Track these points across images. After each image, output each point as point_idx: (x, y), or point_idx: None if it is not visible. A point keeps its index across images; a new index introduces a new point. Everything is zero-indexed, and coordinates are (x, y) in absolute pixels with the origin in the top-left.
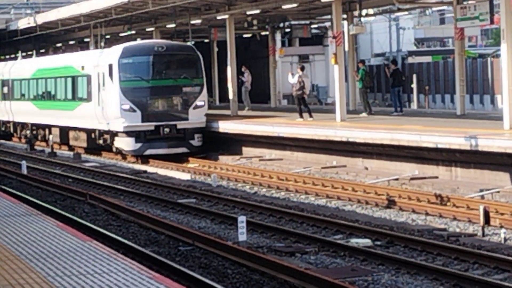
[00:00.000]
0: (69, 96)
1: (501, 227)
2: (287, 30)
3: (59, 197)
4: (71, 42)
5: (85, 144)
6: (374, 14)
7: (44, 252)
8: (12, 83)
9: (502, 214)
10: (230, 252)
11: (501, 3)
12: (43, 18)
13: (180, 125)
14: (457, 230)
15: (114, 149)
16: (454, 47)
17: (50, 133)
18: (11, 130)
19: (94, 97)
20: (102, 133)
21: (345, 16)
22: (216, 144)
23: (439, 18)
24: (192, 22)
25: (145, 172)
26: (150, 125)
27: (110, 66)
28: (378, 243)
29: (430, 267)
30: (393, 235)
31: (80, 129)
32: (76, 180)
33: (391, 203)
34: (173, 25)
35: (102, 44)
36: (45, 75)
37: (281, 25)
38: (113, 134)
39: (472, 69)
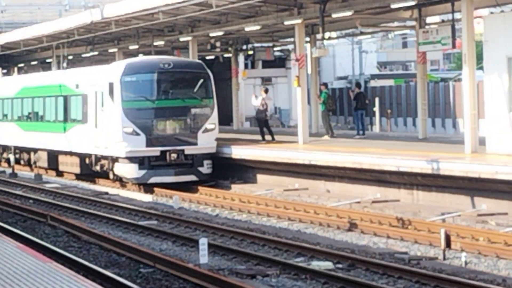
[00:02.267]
0: (60, 117)
1: (462, 250)
2: (250, 52)
3: (19, 218)
4: (33, 63)
5: (77, 170)
6: (337, 37)
7: (3, 273)
8: None
9: (463, 237)
10: (191, 274)
11: (463, 28)
12: (5, 38)
13: (188, 150)
14: (418, 253)
15: (111, 176)
16: (416, 71)
17: (35, 156)
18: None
19: (90, 118)
20: (99, 158)
21: (308, 39)
22: None
23: (402, 41)
24: (155, 43)
25: (106, 193)
26: (155, 150)
27: (111, 85)
28: (340, 266)
29: None
30: (354, 258)
31: (72, 154)
32: (37, 201)
33: (352, 226)
34: (136, 47)
35: (64, 65)
36: (31, 94)
37: (244, 47)
38: (113, 160)
39: (434, 93)
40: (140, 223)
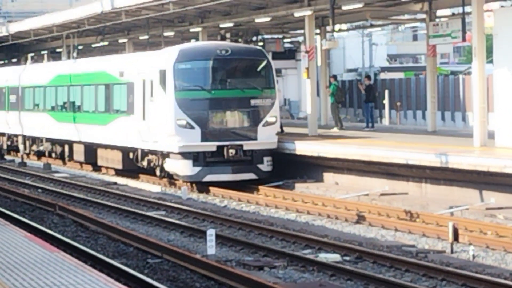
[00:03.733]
0: (101, 107)
1: (470, 244)
2: (260, 44)
3: (28, 208)
4: (43, 52)
5: (119, 165)
6: (347, 30)
7: (11, 263)
8: (22, 91)
9: (471, 231)
10: (199, 265)
11: (473, 21)
12: (15, 27)
13: (247, 145)
14: (426, 246)
15: (158, 173)
16: (426, 64)
17: (70, 149)
18: (20, 144)
19: (137, 109)
20: (146, 153)
21: (318, 31)
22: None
23: (412, 34)
24: (165, 34)
25: (115, 183)
26: (211, 145)
27: (163, 73)
28: (347, 258)
29: (398, 283)
30: (362, 250)
31: (114, 148)
32: (46, 191)
33: (360, 219)
34: (146, 37)
35: (75, 54)
36: (67, 82)
37: (254, 38)
38: (163, 155)
39: (444, 86)
40: (148, 213)
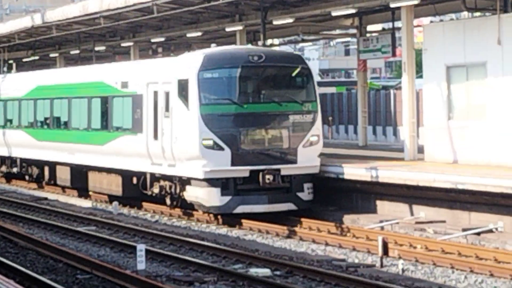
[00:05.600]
0: (96, 124)
1: (400, 258)
2: None
3: None
4: None
5: (118, 192)
6: (279, 44)
7: None
8: None
9: (401, 245)
10: (129, 281)
11: (402, 36)
12: None
13: (286, 170)
14: (356, 260)
15: (168, 202)
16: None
17: (52, 172)
18: None
19: (147, 127)
20: (157, 178)
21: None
22: None
23: (344, 49)
24: (97, 48)
25: (46, 199)
26: (243, 170)
27: (184, 83)
28: (278, 273)
29: None
30: (292, 265)
31: (111, 171)
32: None
33: (291, 233)
34: (77, 51)
35: (5, 69)
36: (49, 94)
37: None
38: (182, 182)
39: (376, 100)
40: (79, 229)
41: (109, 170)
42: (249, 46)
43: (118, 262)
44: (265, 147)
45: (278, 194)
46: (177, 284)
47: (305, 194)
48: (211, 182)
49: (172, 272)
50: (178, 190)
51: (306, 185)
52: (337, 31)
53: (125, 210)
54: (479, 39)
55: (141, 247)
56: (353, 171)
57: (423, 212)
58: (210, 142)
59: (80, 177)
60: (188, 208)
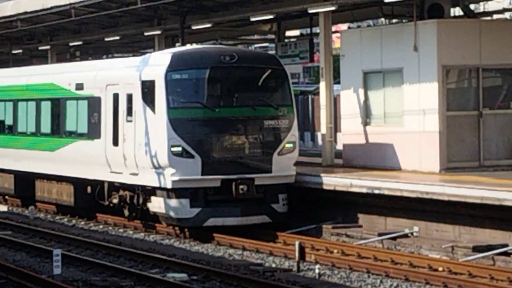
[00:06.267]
0: (46, 129)
1: (317, 262)
2: None
3: None
4: None
5: (69, 201)
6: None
7: None
8: None
9: (318, 250)
10: (45, 286)
11: (320, 42)
12: None
13: (260, 180)
14: (273, 265)
15: (126, 213)
16: None
17: None
18: None
19: (105, 132)
20: (116, 188)
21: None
22: None
23: None
24: (14, 51)
25: None
26: (214, 179)
27: (149, 85)
28: (195, 277)
29: None
30: (209, 269)
31: (62, 179)
32: None
33: (209, 238)
34: None
35: None
36: None
37: (104, 57)
38: (146, 192)
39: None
40: None
41: (59, 179)
42: (220, 45)
43: (34, 267)
44: (238, 154)
45: (252, 205)
46: None
47: (280, 206)
48: (179, 192)
49: (89, 277)
50: (141, 201)
51: (280, 196)
52: (256, 36)
53: (41, 215)
54: (396, 46)
55: (57, 252)
56: None
57: (340, 217)
58: (179, 149)
59: (25, 186)
60: (149, 220)
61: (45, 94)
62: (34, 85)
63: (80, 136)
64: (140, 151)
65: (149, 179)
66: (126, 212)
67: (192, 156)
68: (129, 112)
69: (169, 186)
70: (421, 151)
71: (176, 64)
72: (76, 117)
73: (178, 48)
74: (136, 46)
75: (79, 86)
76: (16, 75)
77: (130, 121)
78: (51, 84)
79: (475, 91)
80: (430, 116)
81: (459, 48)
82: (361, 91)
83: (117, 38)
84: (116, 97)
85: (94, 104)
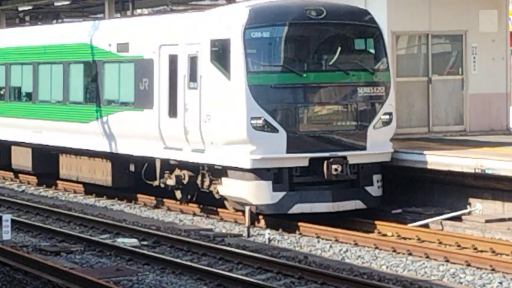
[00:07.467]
0: (77, 96)
1: (266, 228)
2: None
3: None
4: None
5: (106, 181)
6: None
7: None
8: None
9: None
10: None
11: None
12: None
13: (353, 158)
14: (224, 230)
15: (179, 196)
16: None
17: (6, 154)
18: None
19: (159, 101)
20: (172, 166)
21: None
22: None
23: None
24: None
25: None
26: (302, 158)
27: (221, 45)
28: (145, 243)
29: (194, 267)
30: (159, 235)
31: (96, 155)
32: None
33: (159, 203)
34: None
35: None
36: (5, 59)
37: (54, 22)
38: (215, 172)
39: None
40: None
41: (93, 154)
42: None
43: None
44: (329, 128)
45: (344, 189)
46: (44, 254)
47: (375, 189)
48: (260, 173)
49: (39, 242)
50: (206, 183)
51: (375, 177)
52: (207, 1)
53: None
54: None
55: (6, 217)
56: None
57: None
58: (260, 122)
59: (46, 161)
60: (209, 205)
61: (76, 56)
62: (61, 46)
63: (124, 105)
64: (209, 124)
65: (219, 157)
66: (178, 194)
67: (275, 130)
68: (192, 77)
69: (248, 166)
70: None
71: (255, 20)
72: (118, 83)
73: (255, 1)
74: (86, 11)
75: (123, 47)
76: (36, 34)
77: (194, 88)
78: (84, 44)
79: (425, 57)
80: None
81: (408, 14)
82: None
83: (67, 3)
84: (173, 59)
85: (143, 67)
